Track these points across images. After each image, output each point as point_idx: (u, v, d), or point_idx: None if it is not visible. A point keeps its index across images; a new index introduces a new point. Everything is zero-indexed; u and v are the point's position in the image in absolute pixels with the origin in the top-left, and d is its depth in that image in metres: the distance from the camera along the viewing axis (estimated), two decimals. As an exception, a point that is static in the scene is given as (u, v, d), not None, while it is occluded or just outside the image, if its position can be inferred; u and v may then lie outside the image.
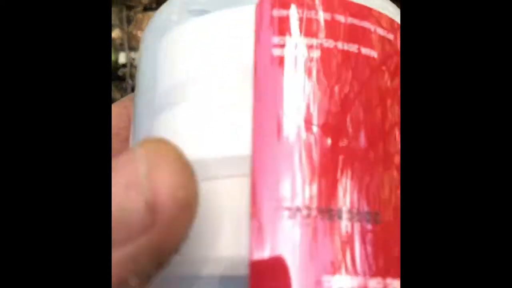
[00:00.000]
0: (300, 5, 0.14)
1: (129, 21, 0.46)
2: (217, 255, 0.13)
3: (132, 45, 0.45)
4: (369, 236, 0.13)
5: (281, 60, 0.13)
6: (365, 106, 0.14)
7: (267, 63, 0.14)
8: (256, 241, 0.13)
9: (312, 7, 0.14)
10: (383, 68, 0.15)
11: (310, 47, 0.14)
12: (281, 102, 0.13)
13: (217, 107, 0.15)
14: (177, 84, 0.16)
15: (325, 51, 0.14)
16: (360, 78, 0.14)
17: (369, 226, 0.13)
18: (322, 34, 0.14)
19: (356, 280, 0.13)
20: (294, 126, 0.13)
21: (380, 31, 0.15)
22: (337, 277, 0.12)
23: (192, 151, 0.13)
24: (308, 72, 0.14)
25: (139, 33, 0.44)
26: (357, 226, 0.13)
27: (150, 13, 0.45)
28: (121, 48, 0.45)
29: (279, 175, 0.13)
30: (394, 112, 0.15)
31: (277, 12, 0.14)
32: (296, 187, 0.13)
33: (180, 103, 0.15)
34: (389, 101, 0.15)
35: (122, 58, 0.45)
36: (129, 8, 0.46)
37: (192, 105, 0.15)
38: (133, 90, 0.39)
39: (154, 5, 0.45)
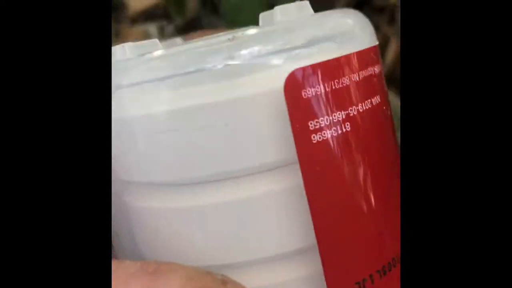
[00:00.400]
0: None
1: (116, 35, 0.44)
2: None
3: (121, 60, 0.42)
4: None
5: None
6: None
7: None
8: None
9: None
10: (385, 107, 0.16)
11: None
12: None
13: None
14: None
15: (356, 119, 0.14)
16: (383, 130, 0.16)
17: None
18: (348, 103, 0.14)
19: None
20: None
21: (375, 70, 0.15)
22: None
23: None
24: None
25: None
26: None
27: (137, 26, 0.44)
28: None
29: None
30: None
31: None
32: None
33: None
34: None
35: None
36: (117, 21, 0.44)
37: None
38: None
39: (142, 19, 0.44)
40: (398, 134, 0.17)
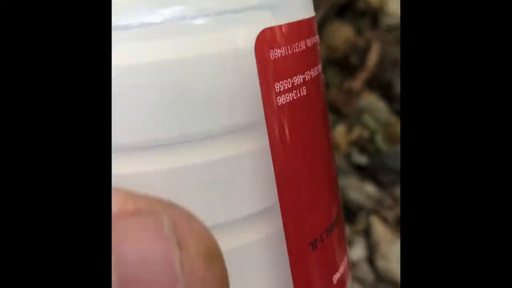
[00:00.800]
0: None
1: None
2: None
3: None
4: None
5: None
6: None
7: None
8: None
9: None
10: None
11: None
12: None
13: None
14: None
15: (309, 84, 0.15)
16: (324, 97, 0.17)
17: None
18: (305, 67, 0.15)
19: None
20: None
21: (317, 38, 0.16)
22: None
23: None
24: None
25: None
26: None
27: None
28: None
29: None
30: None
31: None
32: None
33: None
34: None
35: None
36: None
37: None
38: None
39: None
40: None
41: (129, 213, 0.11)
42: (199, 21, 0.13)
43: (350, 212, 0.41)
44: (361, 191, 0.42)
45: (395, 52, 0.45)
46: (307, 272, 0.15)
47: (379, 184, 0.43)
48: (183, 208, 0.11)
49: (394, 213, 0.42)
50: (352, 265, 0.39)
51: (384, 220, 0.41)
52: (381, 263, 0.39)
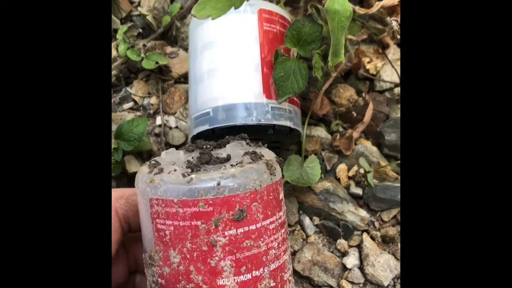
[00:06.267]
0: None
1: (163, 91, 0.55)
2: None
3: (166, 110, 0.54)
4: None
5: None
6: None
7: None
8: None
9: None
10: None
11: None
12: None
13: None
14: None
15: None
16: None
17: None
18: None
19: None
20: None
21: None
22: None
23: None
24: None
25: (170, 101, 0.54)
26: None
27: (179, 85, 0.56)
28: (157, 113, 0.55)
29: None
30: None
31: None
32: None
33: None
34: None
35: (158, 120, 0.54)
36: (164, 80, 0.56)
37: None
38: (166, 144, 0.49)
39: (182, 79, 0.56)
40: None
41: None
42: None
43: (349, 230, 0.49)
44: (357, 215, 0.50)
45: (385, 110, 0.55)
46: None
47: (371, 210, 0.50)
48: None
49: (380, 232, 0.49)
50: (347, 271, 0.48)
51: (373, 238, 0.49)
52: (369, 270, 0.47)
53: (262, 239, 0.22)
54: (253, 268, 0.21)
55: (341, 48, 0.29)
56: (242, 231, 0.21)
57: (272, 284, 0.22)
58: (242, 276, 0.21)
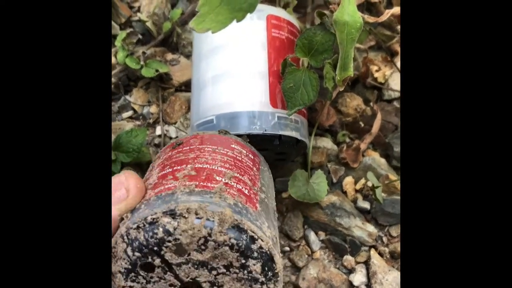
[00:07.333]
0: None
1: (164, 100, 0.54)
2: None
3: (166, 119, 0.53)
4: None
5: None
6: None
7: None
8: None
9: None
10: None
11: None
12: None
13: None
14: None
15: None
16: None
17: None
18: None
19: None
20: None
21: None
22: None
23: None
24: None
25: (170, 111, 0.53)
26: None
27: (180, 93, 0.54)
28: (157, 122, 0.53)
29: None
30: None
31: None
32: None
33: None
34: None
35: (158, 130, 0.52)
36: (164, 89, 0.54)
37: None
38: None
39: (183, 87, 0.54)
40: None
41: None
42: None
43: (356, 246, 0.47)
44: (364, 230, 0.48)
45: (394, 120, 0.53)
46: None
47: (379, 225, 0.49)
48: None
49: (389, 248, 0.47)
50: (354, 289, 0.46)
51: (381, 254, 0.47)
52: (377, 288, 0.45)
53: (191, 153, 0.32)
54: (176, 166, 0.30)
55: (350, 62, 0.27)
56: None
57: (193, 173, 0.28)
58: (163, 170, 0.30)
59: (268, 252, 0.26)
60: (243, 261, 0.25)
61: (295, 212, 0.49)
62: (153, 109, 0.53)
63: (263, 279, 0.26)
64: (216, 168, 0.29)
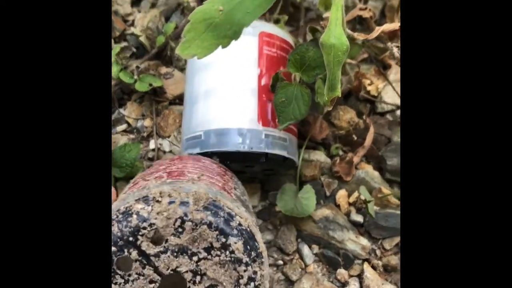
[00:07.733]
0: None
1: (158, 113, 0.54)
2: None
3: (160, 133, 0.53)
4: None
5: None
6: None
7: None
8: None
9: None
10: None
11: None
12: None
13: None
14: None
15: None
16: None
17: None
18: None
19: None
20: None
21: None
22: None
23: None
24: None
25: (164, 124, 0.53)
26: None
27: (174, 107, 0.54)
28: (151, 136, 0.53)
29: None
30: None
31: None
32: None
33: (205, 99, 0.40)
34: None
35: (152, 144, 0.52)
36: (158, 102, 0.54)
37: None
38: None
39: (177, 101, 0.54)
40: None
41: None
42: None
43: (349, 260, 0.47)
44: (357, 243, 0.48)
45: (387, 133, 0.53)
46: None
47: (372, 238, 0.49)
48: None
49: (382, 262, 0.47)
50: (348, 302, 0.46)
51: (374, 267, 0.47)
52: (370, 302, 0.45)
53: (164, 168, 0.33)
54: (147, 176, 0.31)
55: (338, 83, 0.28)
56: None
57: (164, 174, 0.29)
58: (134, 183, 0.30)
59: (248, 229, 0.25)
60: (223, 239, 0.24)
61: (288, 225, 0.49)
62: (147, 122, 0.53)
63: (247, 259, 0.24)
64: (186, 170, 0.30)
